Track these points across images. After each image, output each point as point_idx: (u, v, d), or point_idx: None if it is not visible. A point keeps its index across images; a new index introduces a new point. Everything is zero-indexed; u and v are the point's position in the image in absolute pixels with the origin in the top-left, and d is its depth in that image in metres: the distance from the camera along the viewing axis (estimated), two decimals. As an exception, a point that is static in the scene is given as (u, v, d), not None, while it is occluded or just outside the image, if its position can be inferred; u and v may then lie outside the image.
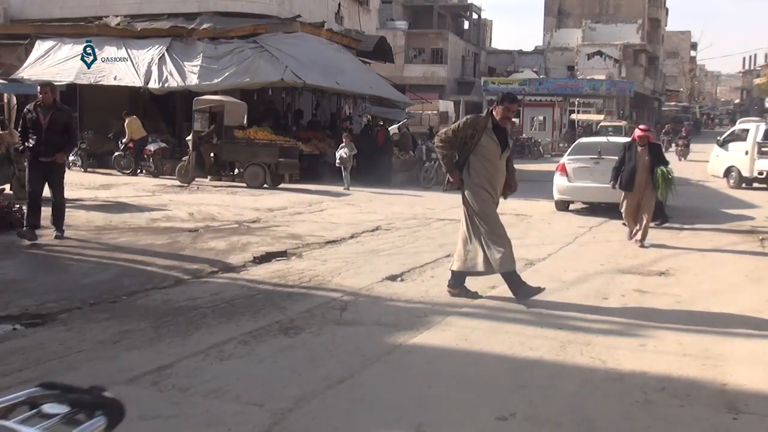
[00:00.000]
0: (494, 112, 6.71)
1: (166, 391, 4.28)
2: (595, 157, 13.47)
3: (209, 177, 18.09)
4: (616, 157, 10.88)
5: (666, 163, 10.46)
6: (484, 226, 6.62)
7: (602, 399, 4.32)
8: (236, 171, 18.08)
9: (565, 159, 14.14)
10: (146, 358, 4.86)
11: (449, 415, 4.05)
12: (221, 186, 17.47)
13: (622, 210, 10.61)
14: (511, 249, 6.67)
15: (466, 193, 6.75)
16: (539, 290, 6.67)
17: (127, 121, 19.63)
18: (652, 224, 10.77)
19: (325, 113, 27.23)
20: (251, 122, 20.34)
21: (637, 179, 10.26)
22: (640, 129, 10.96)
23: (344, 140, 18.16)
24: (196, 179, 17.74)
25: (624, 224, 10.83)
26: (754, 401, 4.32)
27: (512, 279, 6.68)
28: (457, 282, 6.84)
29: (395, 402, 4.23)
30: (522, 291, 6.64)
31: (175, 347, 5.12)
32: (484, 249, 6.60)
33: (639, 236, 10.22)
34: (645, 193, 10.27)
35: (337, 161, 17.90)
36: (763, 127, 20.79)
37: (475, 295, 6.78)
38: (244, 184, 17.34)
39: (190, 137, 17.83)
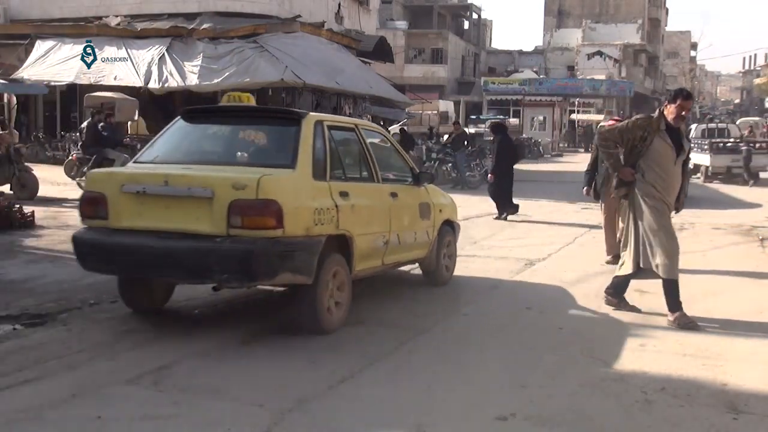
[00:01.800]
0: (666, 111, 5.94)
1: (166, 391, 4.27)
2: None
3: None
4: None
5: None
6: (658, 239, 5.90)
7: (602, 399, 4.32)
8: None
9: None
10: (146, 358, 4.86)
11: (449, 415, 4.04)
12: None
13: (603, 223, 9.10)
14: (677, 257, 5.99)
15: (634, 201, 6.04)
16: (693, 324, 5.87)
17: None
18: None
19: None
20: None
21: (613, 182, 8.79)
22: (612, 120, 9.84)
23: None
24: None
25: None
26: (754, 401, 4.32)
27: (672, 290, 6.00)
28: (617, 293, 6.40)
29: (395, 402, 4.23)
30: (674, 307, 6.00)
31: (176, 347, 5.12)
32: (652, 255, 5.95)
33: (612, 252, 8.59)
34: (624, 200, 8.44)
35: None
36: (695, 127, 25.21)
37: (634, 309, 6.35)
38: None
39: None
